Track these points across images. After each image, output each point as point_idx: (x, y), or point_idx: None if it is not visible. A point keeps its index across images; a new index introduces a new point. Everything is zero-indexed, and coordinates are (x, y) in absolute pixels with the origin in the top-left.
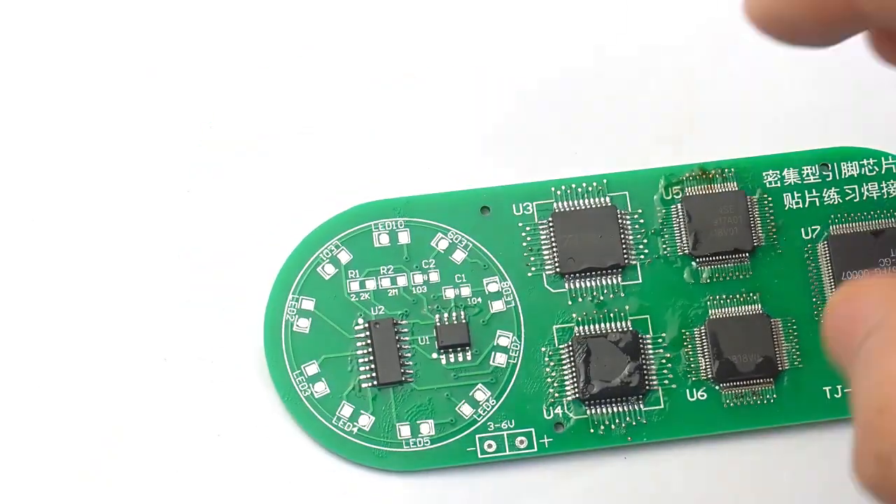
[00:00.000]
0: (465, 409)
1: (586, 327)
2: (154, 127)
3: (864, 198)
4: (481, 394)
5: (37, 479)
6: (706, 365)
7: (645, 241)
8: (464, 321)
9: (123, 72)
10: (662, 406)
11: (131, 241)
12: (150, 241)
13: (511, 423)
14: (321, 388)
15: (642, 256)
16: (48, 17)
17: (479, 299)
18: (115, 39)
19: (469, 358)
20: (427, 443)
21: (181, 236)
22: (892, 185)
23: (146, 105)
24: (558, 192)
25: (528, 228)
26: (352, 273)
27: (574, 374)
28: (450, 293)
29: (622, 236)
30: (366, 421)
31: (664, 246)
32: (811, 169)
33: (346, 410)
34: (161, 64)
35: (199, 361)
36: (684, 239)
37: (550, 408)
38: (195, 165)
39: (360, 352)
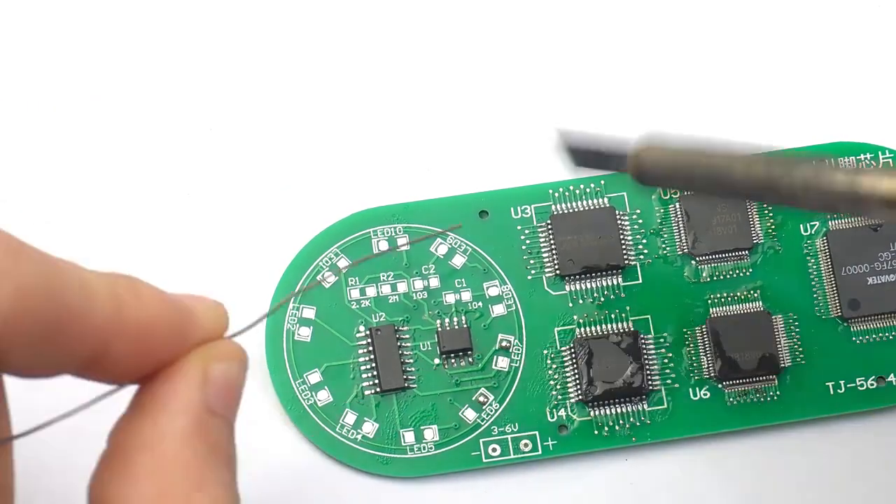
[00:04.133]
0: (469, 414)
1: (588, 329)
2: (155, 130)
3: None
4: (484, 398)
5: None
6: (708, 364)
7: (644, 241)
8: (465, 326)
9: (124, 75)
10: (666, 406)
11: (130, 244)
12: (150, 243)
13: (515, 427)
14: (324, 397)
15: (642, 256)
16: (50, 22)
17: (480, 303)
18: (116, 43)
19: (471, 362)
20: (431, 448)
21: (181, 240)
22: None
23: (147, 108)
24: (556, 195)
25: (527, 231)
26: (352, 280)
27: (577, 376)
28: (450, 298)
29: (621, 237)
30: (369, 428)
31: (663, 245)
32: None
33: (350, 418)
34: (162, 68)
35: None
36: (683, 238)
37: (554, 410)
38: (195, 169)
39: (361, 359)
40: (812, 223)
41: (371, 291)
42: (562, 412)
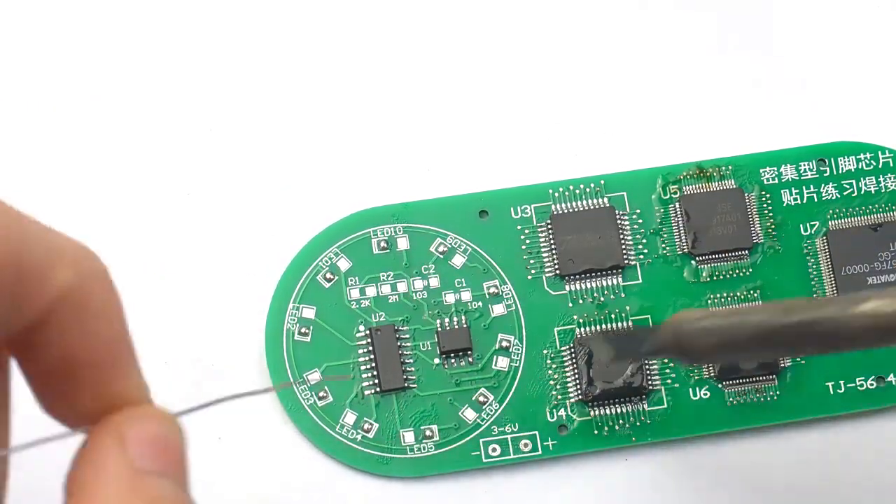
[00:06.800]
0: (469, 414)
1: (588, 329)
2: (155, 130)
3: (862, 192)
4: (484, 398)
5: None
6: (708, 363)
7: (644, 241)
8: (465, 326)
9: (125, 76)
10: (665, 406)
11: (131, 244)
12: (151, 243)
13: (515, 427)
14: (324, 396)
15: (642, 256)
16: (51, 23)
17: (480, 303)
18: (116, 44)
19: (471, 362)
20: (431, 448)
21: (181, 240)
22: (890, 178)
23: (147, 109)
24: (556, 194)
25: (526, 231)
26: (352, 280)
27: (576, 376)
28: (450, 298)
29: (621, 237)
30: (369, 428)
31: (663, 245)
32: (808, 164)
33: (350, 418)
34: (162, 68)
35: (200, 364)
36: (683, 238)
37: (554, 410)
38: (195, 169)
39: (361, 359)
40: (812, 223)
41: (371, 291)
42: (562, 412)
